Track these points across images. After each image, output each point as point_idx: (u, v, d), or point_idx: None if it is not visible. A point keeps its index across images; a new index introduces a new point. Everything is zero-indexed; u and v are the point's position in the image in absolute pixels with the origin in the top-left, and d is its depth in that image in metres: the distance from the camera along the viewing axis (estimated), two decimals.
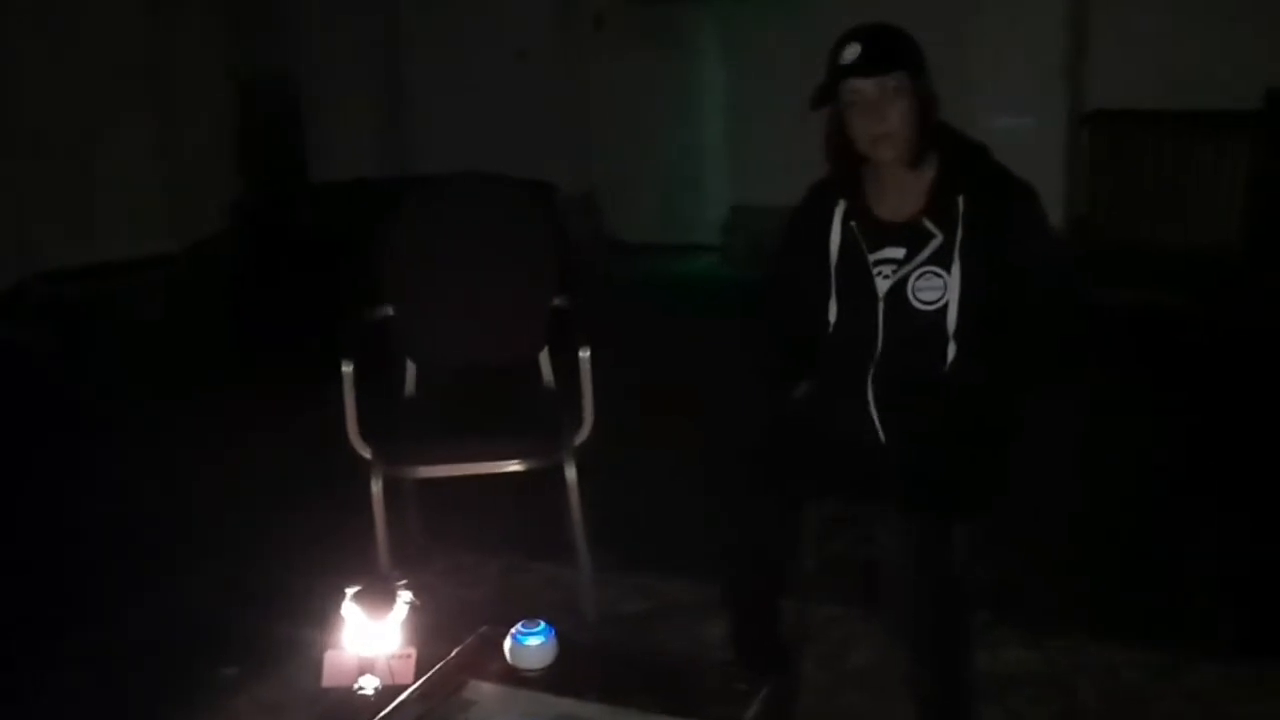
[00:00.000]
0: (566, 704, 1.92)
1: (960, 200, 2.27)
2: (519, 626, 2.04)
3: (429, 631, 2.14)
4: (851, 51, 2.25)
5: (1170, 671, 2.70)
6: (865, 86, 2.25)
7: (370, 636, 2.04)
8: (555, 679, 2.00)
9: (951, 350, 2.28)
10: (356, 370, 2.86)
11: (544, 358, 3.17)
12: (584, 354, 2.89)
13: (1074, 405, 3.59)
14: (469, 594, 3.09)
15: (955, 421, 2.26)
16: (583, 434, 2.90)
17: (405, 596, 2.09)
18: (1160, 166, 5.40)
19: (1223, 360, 4.62)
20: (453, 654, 2.09)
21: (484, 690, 1.99)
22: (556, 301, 3.12)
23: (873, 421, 2.32)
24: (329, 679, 2.04)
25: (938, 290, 2.27)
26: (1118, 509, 3.47)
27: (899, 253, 2.30)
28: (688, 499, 2.70)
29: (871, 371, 2.31)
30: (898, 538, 2.18)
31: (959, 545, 2.17)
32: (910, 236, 2.29)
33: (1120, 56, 5.42)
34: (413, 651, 2.05)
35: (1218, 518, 3.42)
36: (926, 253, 2.27)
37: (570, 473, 2.85)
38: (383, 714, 1.91)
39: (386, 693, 1.98)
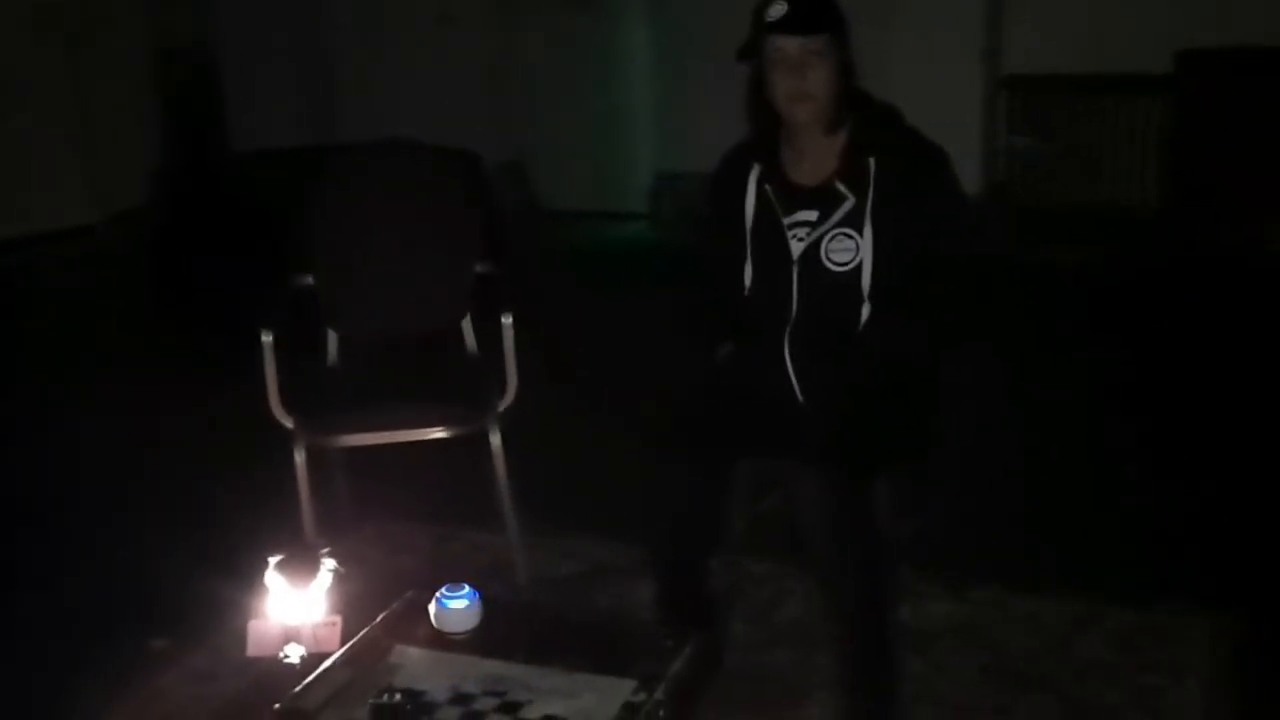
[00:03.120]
0: (493, 665, 1.94)
1: (872, 163, 2.30)
2: (444, 590, 2.06)
3: (355, 599, 2.14)
4: (778, 9, 2.27)
5: (1091, 618, 2.77)
6: (789, 45, 2.28)
7: (295, 605, 2.05)
8: (481, 641, 2.01)
9: (865, 311, 2.32)
10: (279, 340, 2.84)
11: (467, 325, 3.17)
12: (507, 320, 2.90)
13: (994, 360, 3.67)
14: (396, 561, 3.10)
15: (871, 379, 2.31)
16: (507, 400, 2.91)
17: (330, 564, 2.10)
18: (1075, 129, 5.51)
19: (1140, 311, 4.74)
20: (378, 619, 2.10)
21: (410, 655, 2.01)
22: (480, 268, 3.12)
23: (790, 382, 2.36)
24: (254, 649, 2.04)
25: (850, 252, 2.31)
26: (1038, 461, 3.56)
27: (812, 215, 2.33)
28: (615, 462, 2.72)
29: (788, 333, 2.35)
30: (817, 495, 2.22)
31: (879, 500, 2.22)
32: (823, 199, 2.32)
33: (1035, 23, 5.51)
34: (338, 619, 2.06)
35: (1136, 466, 3.51)
36: (839, 215, 2.31)
37: (495, 439, 2.86)
38: (307, 680, 1.92)
39: (312, 660, 1.99)
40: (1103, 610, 2.80)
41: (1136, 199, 5.38)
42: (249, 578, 2.16)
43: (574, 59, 6.55)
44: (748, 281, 2.40)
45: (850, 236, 2.30)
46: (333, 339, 3.17)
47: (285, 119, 6.75)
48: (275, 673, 1.99)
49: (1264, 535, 3.12)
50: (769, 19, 2.28)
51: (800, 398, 2.36)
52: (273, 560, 2.08)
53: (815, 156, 2.36)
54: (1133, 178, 5.40)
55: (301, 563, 2.09)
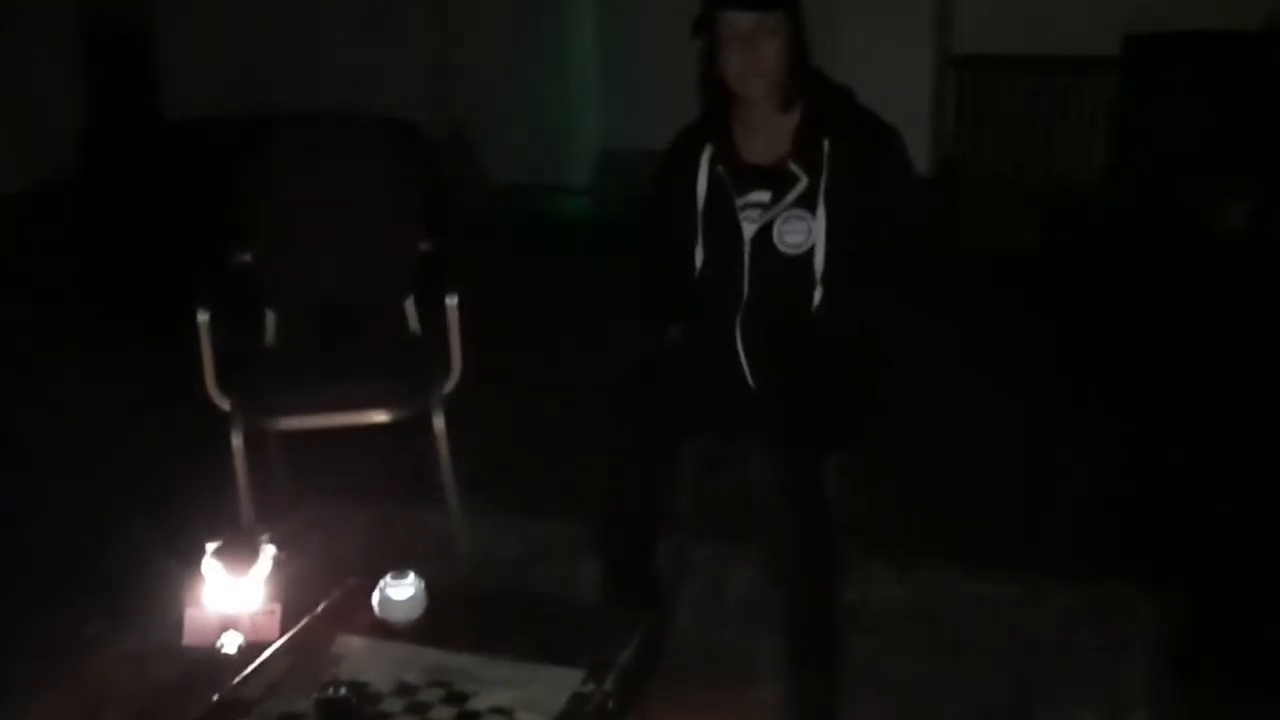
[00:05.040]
0: (437, 655, 1.90)
1: (825, 143, 2.28)
2: (387, 578, 2.01)
3: (295, 586, 2.09)
4: None
5: (1036, 597, 2.79)
6: (742, 20, 2.25)
7: (233, 592, 1.99)
8: (426, 630, 1.97)
9: (818, 294, 2.30)
10: (216, 319, 2.77)
11: (410, 304, 3.10)
12: (451, 301, 2.85)
13: (944, 337, 3.68)
14: (337, 545, 3.04)
15: (822, 361, 2.29)
16: (450, 382, 2.86)
17: (269, 550, 2.04)
18: (1026, 109, 5.55)
19: (1088, 287, 4.78)
20: (319, 608, 2.05)
21: (353, 645, 1.96)
22: (423, 246, 3.06)
23: (741, 364, 2.33)
24: (190, 638, 1.99)
25: (803, 234, 2.28)
26: (985, 440, 3.57)
27: (765, 196, 2.30)
28: (560, 442, 2.69)
29: (740, 315, 2.32)
30: (767, 473, 2.21)
31: (827, 480, 2.21)
32: (776, 180, 2.29)
33: (987, 3, 5.53)
34: (277, 607, 2.01)
35: (1080, 444, 3.54)
36: (792, 196, 2.28)
37: (439, 422, 2.81)
38: (245, 672, 1.86)
39: (250, 650, 1.94)
40: (1048, 589, 2.82)
41: (1084, 178, 5.45)
42: (186, 563, 2.11)
43: (517, 29, 6.46)
44: (699, 262, 2.37)
45: (803, 218, 2.28)
46: (271, 318, 3.09)
47: (220, 87, 6.58)
48: (212, 663, 1.94)
49: (1207, 515, 3.16)
50: None
51: (751, 379, 2.33)
52: (210, 546, 2.03)
53: (768, 136, 2.32)
54: (1081, 157, 5.46)
55: (239, 549, 2.04)
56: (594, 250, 5.24)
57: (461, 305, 2.86)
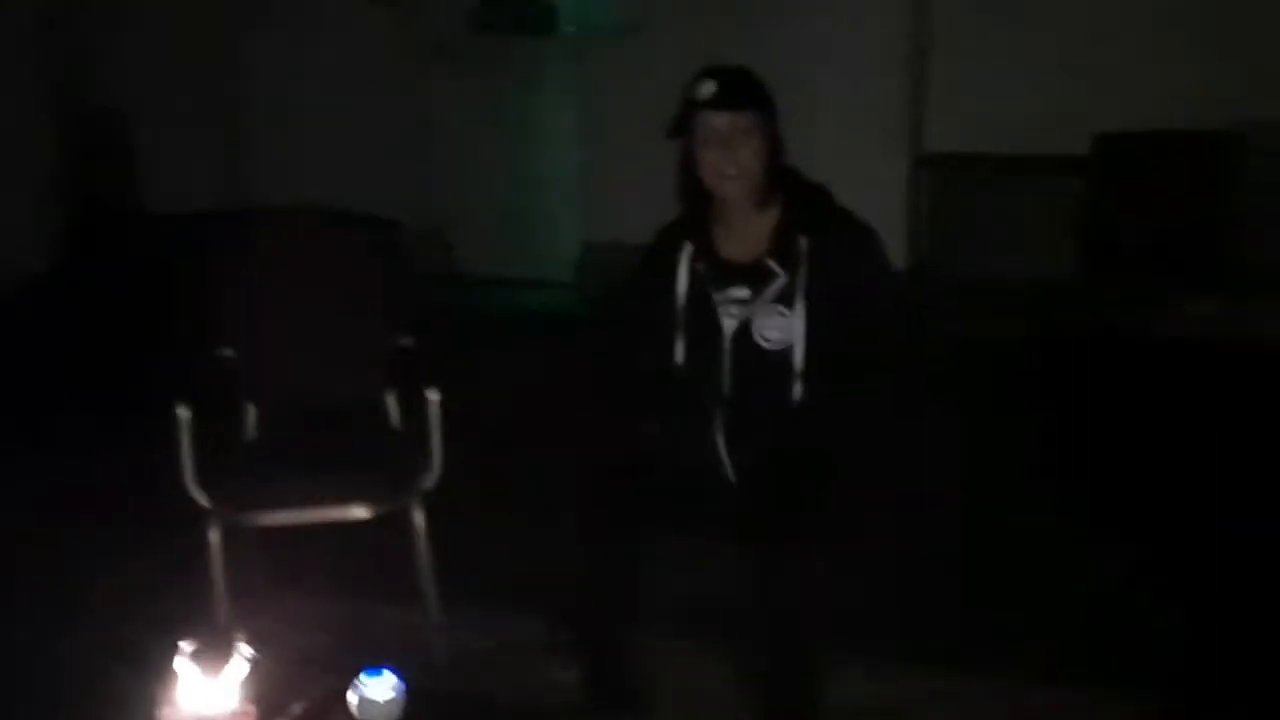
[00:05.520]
0: None
1: (803, 240, 2.31)
2: (363, 677, 1.98)
3: (270, 684, 2.05)
4: (707, 88, 2.30)
5: (1012, 696, 2.77)
6: (718, 121, 2.30)
7: (207, 694, 1.96)
8: None
9: (798, 389, 2.32)
10: (194, 412, 2.75)
11: (391, 399, 3.10)
12: (432, 396, 2.83)
13: (922, 433, 3.67)
14: (313, 642, 2.98)
15: (803, 458, 2.30)
16: (431, 478, 2.84)
17: (243, 650, 2.01)
18: (997, 207, 5.63)
19: (1065, 380, 4.80)
20: (295, 709, 2.02)
21: None
22: (404, 340, 3.06)
23: (721, 459, 2.34)
24: None
25: (783, 330, 2.30)
26: (962, 536, 3.56)
27: (744, 292, 2.33)
28: (538, 538, 2.67)
29: (719, 410, 2.33)
30: (746, 571, 2.20)
31: (807, 580, 2.20)
32: (755, 276, 2.32)
33: (958, 104, 5.64)
34: (252, 709, 1.97)
35: (1062, 541, 3.53)
36: (771, 292, 2.31)
37: (418, 519, 2.80)
38: None
39: None
40: (1024, 689, 2.80)
41: (1055, 274, 5.51)
42: (158, 663, 2.07)
43: (497, 127, 6.54)
44: (679, 358, 2.38)
45: (782, 315, 2.30)
46: (251, 411, 3.08)
47: (201, 183, 6.63)
48: None
49: (1176, 616, 3.14)
50: (698, 97, 2.30)
51: (731, 476, 2.34)
52: (184, 646, 2.00)
53: (746, 233, 2.36)
54: (1051, 254, 5.53)
55: (214, 648, 2.01)
56: (575, 343, 5.25)
57: (442, 399, 2.86)
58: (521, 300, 6.48)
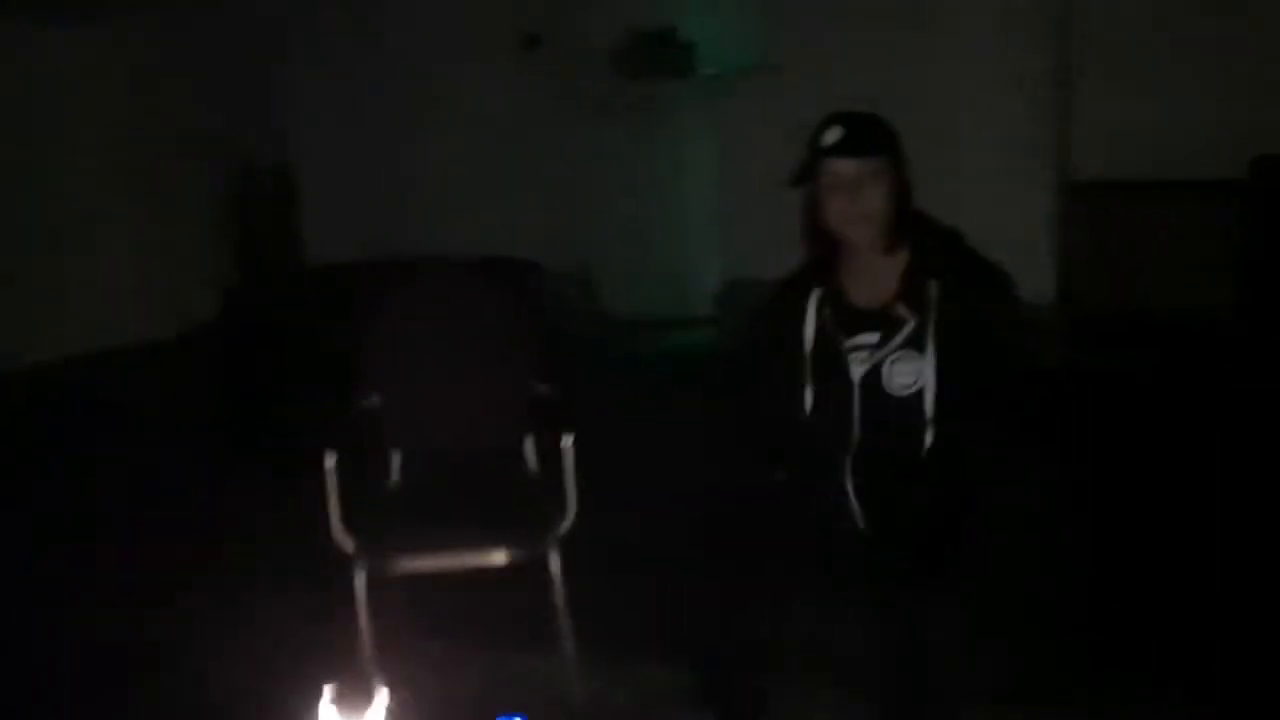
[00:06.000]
0: None
1: (933, 285, 2.28)
2: None
3: None
4: (833, 134, 2.29)
5: None
6: (845, 168, 2.29)
7: None
8: None
9: (929, 435, 2.28)
10: (340, 458, 2.84)
11: (529, 444, 3.15)
12: (567, 443, 2.87)
13: (1059, 474, 3.56)
14: (453, 688, 3.03)
15: (934, 506, 2.25)
16: (566, 524, 2.88)
17: (383, 694, 2.06)
18: (1148, 236, 5.44)
19: (1216, 424, 4.59)
20: None
21: None
22: (541, 389, 3.11)
23: (852, 508, 2.31)
24: None
25: (913, 375, 2.27)
26: (1095, 579, 3.43)
27: (873, 338, 2.30)
28: (675, 584, 2.66)
29: (849, 458, 2.31)
30: (878, 623, 2.16)
31: (937, 630, 2.15)
32: (884, 322, 2.30)
33: (1105, 129, 5.48)
34: None
35: (1195, 583, 3.38)
36: (900, 338, 2.28)
37: (554, 565, 2.83)
38: None
39: None
40: None
41: (1211, 305, 5.29)
42: (302, 706, 2.14)
43: (640, 168, 6.63)
44: (807, 406, 2.37)
45: (912, 360, 2.27)
46: (395, 458, 3.17)
47: (361, 232, 6.89)
48: None
49: None
50: (824, 144, 2.29)
51: (862, 524, 2.31)
52: (327, 689, 2.05)
53: (875, 279, 2.34)
54: (1207, 284, 5.31)
55: (355, 693, 2.06)
56: (708, 391, 5.24)
57: (583, 439, 2.88)
58: (667, 337, 6.52)
